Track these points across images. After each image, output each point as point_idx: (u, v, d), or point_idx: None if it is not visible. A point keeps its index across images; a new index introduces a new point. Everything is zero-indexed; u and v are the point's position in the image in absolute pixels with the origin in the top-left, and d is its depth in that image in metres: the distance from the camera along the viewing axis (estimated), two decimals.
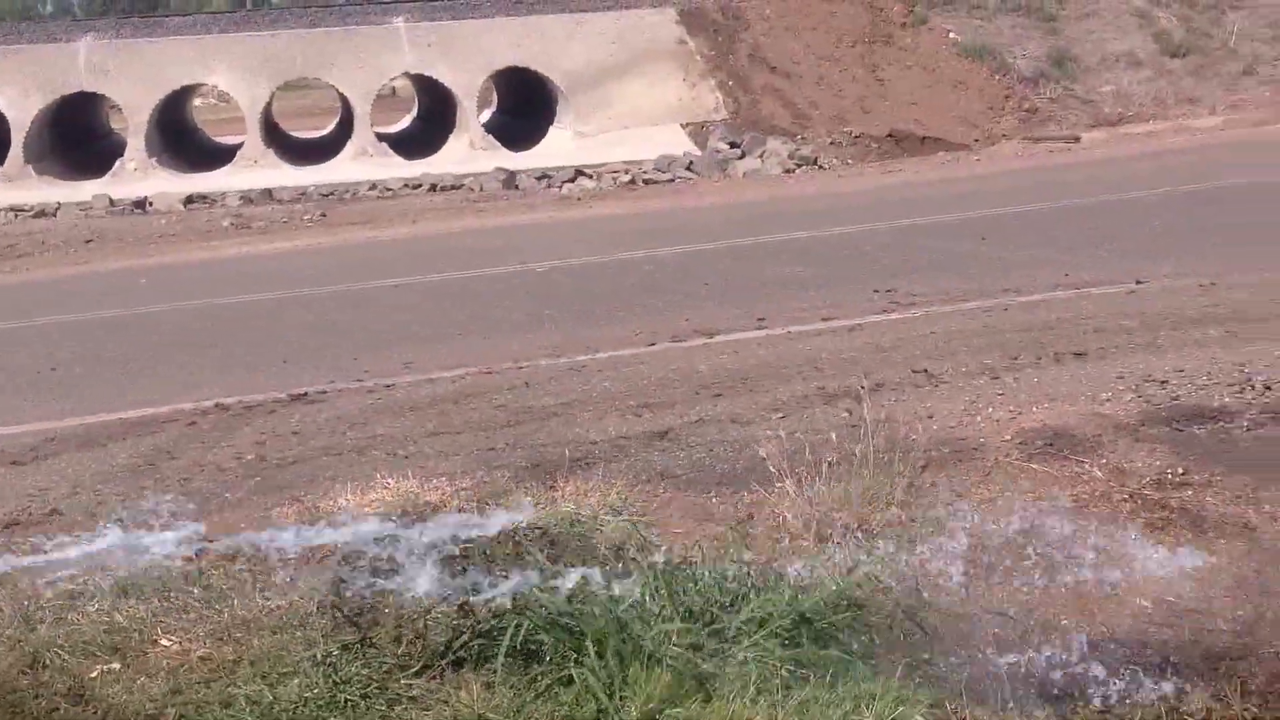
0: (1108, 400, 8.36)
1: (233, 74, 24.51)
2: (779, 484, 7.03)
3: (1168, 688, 5.86)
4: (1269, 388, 8.33)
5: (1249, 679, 5.94)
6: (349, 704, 5.04)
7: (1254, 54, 21.89)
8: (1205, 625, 6.43)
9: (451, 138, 22.73)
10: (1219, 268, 11.52)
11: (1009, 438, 7.94)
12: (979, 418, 8.25)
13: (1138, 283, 11.16)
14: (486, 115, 24.17)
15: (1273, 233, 12.68)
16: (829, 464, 7.14)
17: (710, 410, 8.55)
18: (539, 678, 5.15)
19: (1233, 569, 6.79)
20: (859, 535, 6.81)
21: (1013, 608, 6.45)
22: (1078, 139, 19.49)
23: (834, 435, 7.61)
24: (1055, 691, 5.95)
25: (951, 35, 23.07)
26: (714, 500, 7.12)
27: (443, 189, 19.64)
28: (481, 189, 19.43)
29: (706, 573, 6.05)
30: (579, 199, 17.93)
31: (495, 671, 5.18)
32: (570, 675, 5.11)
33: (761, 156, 19.88)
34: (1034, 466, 7.61)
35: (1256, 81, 21.34)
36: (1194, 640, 6.32)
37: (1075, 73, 22.03)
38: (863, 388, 8.41)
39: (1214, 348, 9.21)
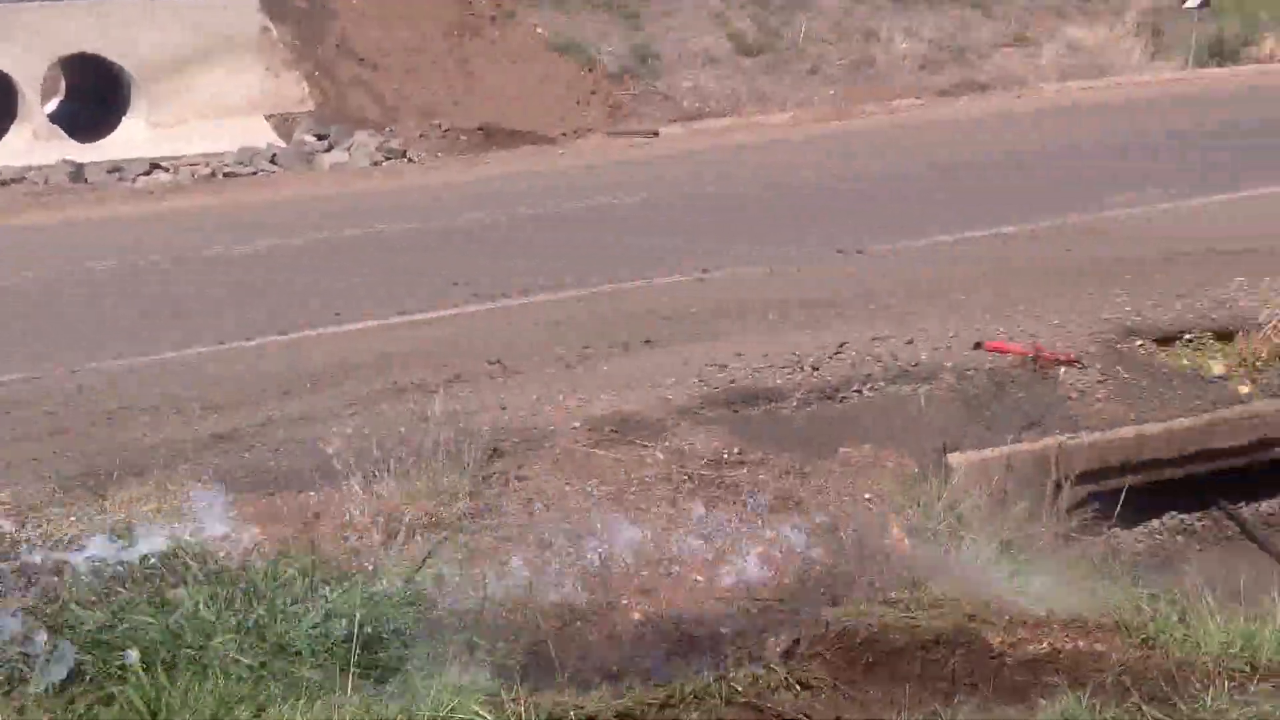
0: (672, 386, 8.66)
1: None
2: (346, 482, 7.01)
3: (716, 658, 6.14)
4: (817, 368, 8.79)
5: (793, 646, 6.27)
6: None
7: (820, 54, 22.97)
8: (755, 597, 6.76)
9: (12, 128, 21.50)
10: (778, 256, 12.02)
11: (578, 425, 8.13)
12: (550, 407, 8.41)
13: (705, 272, 11.57)
14: (53, 104, 22.92)
15: (827, 225, 13.31)
16: (397, 460, 7.17)
17: (278, 410, 8.42)
18: (77, 699, 4.96)
19: (785, 540, 7.17)
20: (427, 530, 6.85)
21: (575, 592, 6.62)
22: (657, 133, 20.01)
23: (403, 430, 7.63)
24: (614, 670, 6.14)
25: (539, 30, 23.31)
26: (279, 501, 7.02)
27: (1, 183, 18.59)
28: (47, 182, 18.51)
29: (265, 577, 5.98)
30: (152, 192, 17.32)
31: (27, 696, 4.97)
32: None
33: (349, 149, 19.64)
34: (600, 452, 7.82)
35: (822, 80, 22.39)
36: (745, 610, 6.64)
37: (658, 69, 22.60)
38: (435, 381, 8.47)
39: (770, 332, 9.65)
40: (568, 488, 7.44)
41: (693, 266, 11.71)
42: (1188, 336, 9.52)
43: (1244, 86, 21.96)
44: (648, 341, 9.64)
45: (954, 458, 8.19)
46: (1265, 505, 9.19)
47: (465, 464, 7.21)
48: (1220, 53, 24.02)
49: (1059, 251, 11.67)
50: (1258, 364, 9.21)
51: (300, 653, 5.49)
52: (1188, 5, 23.13)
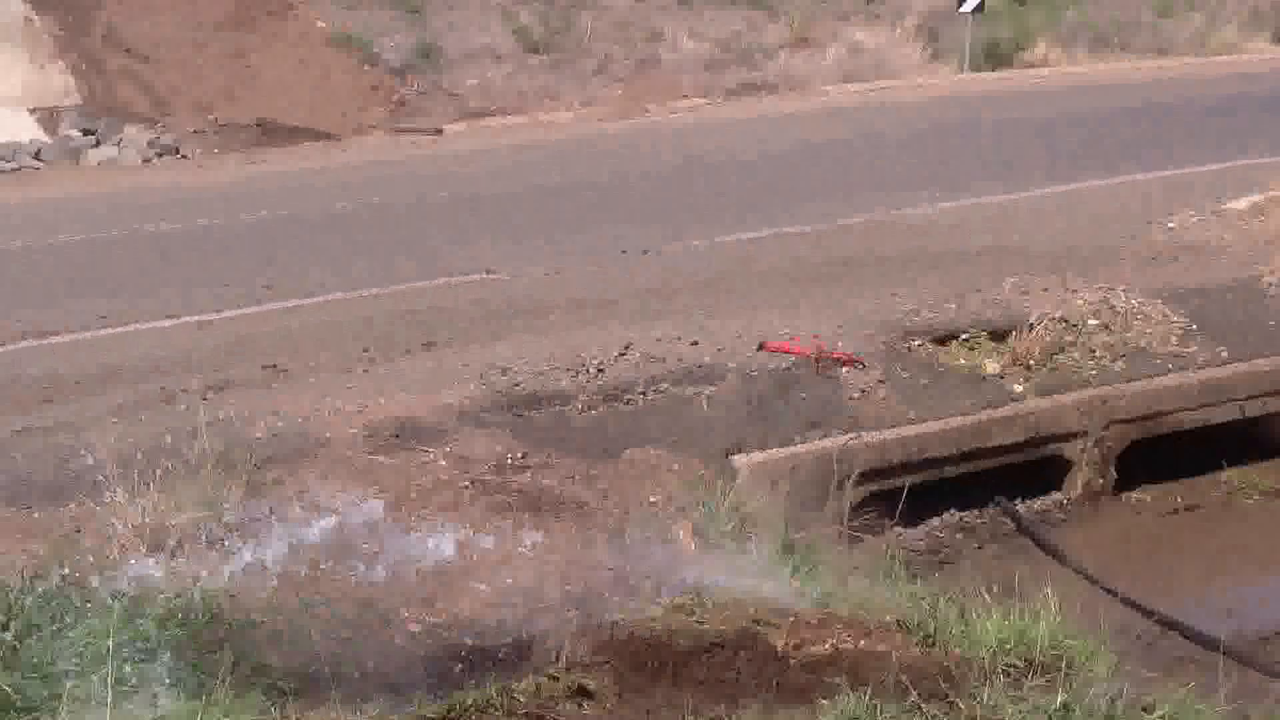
0: (453, 389, 8.50)
1: None
2: (109, 493, 6.69)
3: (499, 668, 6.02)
4: (601, 370, 8.73)
5: (577, 653, 6.18)
6: None
7: (606, 53, 22.96)
8: (540, 604, 6.65)
9: None
10: (565, 256, 11.95)
11: (355, 431, 7.93)
12: (326, 412, 8.20)
13: (488, 273, 11.43)
14: None
15: (612, 224, 13.29)
16: (164, 469, 6.88)
17: (37, 418, 8.03)
18: None
19: (567, 547, 7.06)
20: (195, 543, 6.59)
21: (351, 603, 6.43)
22: (440, 131, 19.77)
23: (170, 438, 7.33)
24: (392, 683, 5.98)
25: (319, 24, 22.86)
26: (37, 515, 6.68)
27: None
28: None
29: (21, 594, 5.68)
30: None
31: None
32: None
33: (119, 145, 18.99)
34: (379, 458, 7.64)
35: (608, 78, 22.37)
36: (527, 617, 6.52)
37: (442, 65, 22.33)
38: (205, 387, 8.19)
39: (554, 334, 9.56)
40: (344, 496, 7.23)
41: (476, 267, 11.55)
42: (964, 336, 9.70)
43: (1018, 89, 22.59)
44: (429, 344, 9.46)
45: (738, 459, 8.21)
46: (1040, 502, 9.41)
47: (236, 473, 6.96)
48: (995, 56, 24.69)
49: (841, 252, 11.80)
50: (1030, 363, 9.42)
51: (60, 675, 5.22)
52: (963, 10, 23.70)
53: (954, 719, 5.66)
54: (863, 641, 6.48)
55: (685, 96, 21.80)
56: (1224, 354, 9.92)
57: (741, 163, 16.57)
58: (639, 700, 5.98)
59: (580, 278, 11.24)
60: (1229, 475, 9.93)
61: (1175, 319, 10.11)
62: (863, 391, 8.94)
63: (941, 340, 9.67)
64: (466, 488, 7.43)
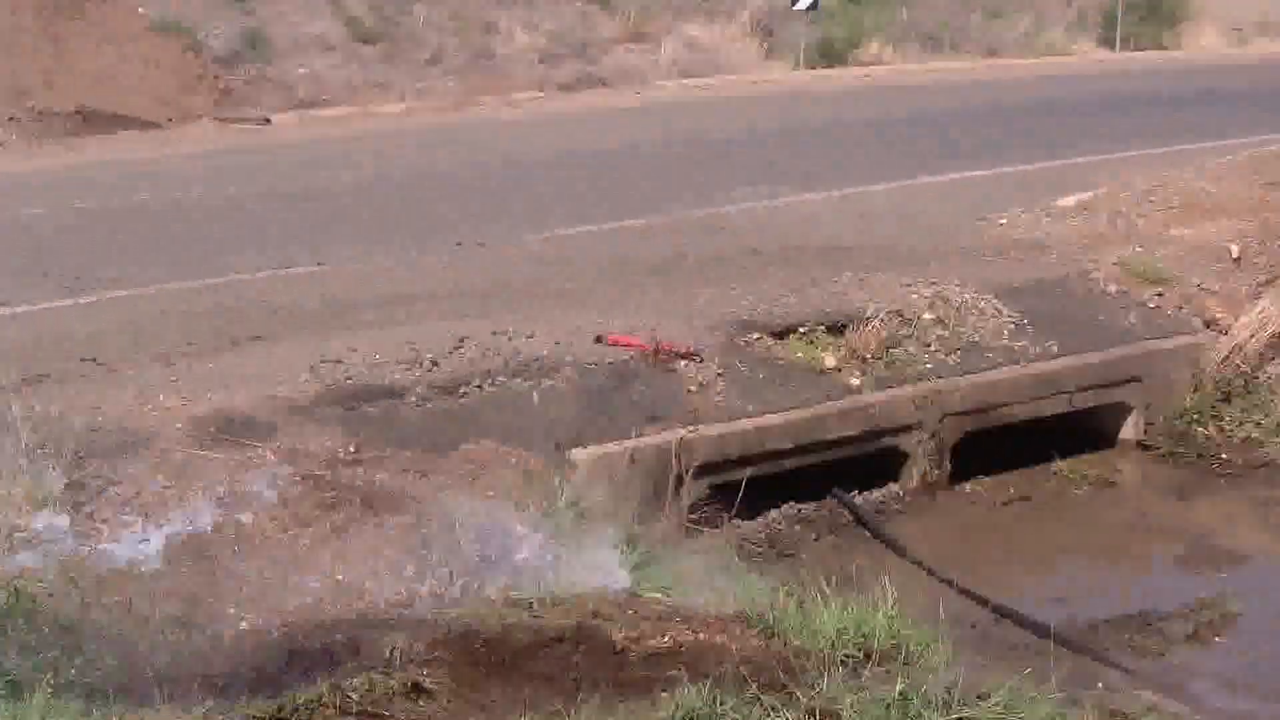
0: (282, 383, 8.27)
1: None
2: None
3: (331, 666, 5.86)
4: (436, 363, 8.57)
5: (412, 649, 6.05)
6: None
7: (439, 44, 22.73)
8: (373, 600, 6.50)
9: None
10: (397, 248, 11.76)
11: (181, 425, 7.67)
12: (150, 407, 7.92)
13: (319, 265, 11.19)
14: None
15: (446, 217, 13.13)
16: None
17: None
18: None
19: (401, 542, 6.91)
20: (9, 539, 6.32)
21: (178, 601, 6.22)
22: (269, 121, 19.40)
23: None
24: (220, 684, 5.79)
25: (141, 10, 22.27)
26: None
27: None
28: None
29: None
30: None
31: None
32: None
33: None
34: (205, 454, 7.40)
35: (442, 70, 22.15)
36: (360, 614, 6.37)
37: (269, 55, 21.90)
38: (19, 380, 7.85)
39: (387, 326, 9.37)
40: (169, 492, 6.98)
41: (307, 259, 11.31)
42: (802, 330, 9.72)
43: (852, 87, 22.90)
44: (257, 337, 9.20)
45: (576, 453, 8.11)
46: (876, 493, 9.48)
47: (54, 468, 6.68)
48: (829, 55, 25.00)
49: (679, 246, 11.77)
50: (867, 356, 9.49)
51: None
52: (798, 7, 23.94)
53: (793, 710, 5.62)
54: (702, 634, 6.45)
55: (520, 90, 21.68)
56: (1054, 348, 10.10)
57: (577, 157, 16.51)
58: (475, 696, 5.87)
59: (414, 271, 11.05)
60: (1059, 466, 10.13)
61: (1007, 314, 10.27)
62: (701, 385, 8.90)
63: (779, 334, 9.68)
64: (298, 482, 7.22)
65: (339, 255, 11.49)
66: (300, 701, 5.48)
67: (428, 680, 5.81)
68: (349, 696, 5.58)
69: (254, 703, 5.54)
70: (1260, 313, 10.71)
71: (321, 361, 8.59)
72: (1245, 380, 10.60)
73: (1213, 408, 10.55)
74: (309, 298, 10.16)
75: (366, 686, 5.66)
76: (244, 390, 8.15)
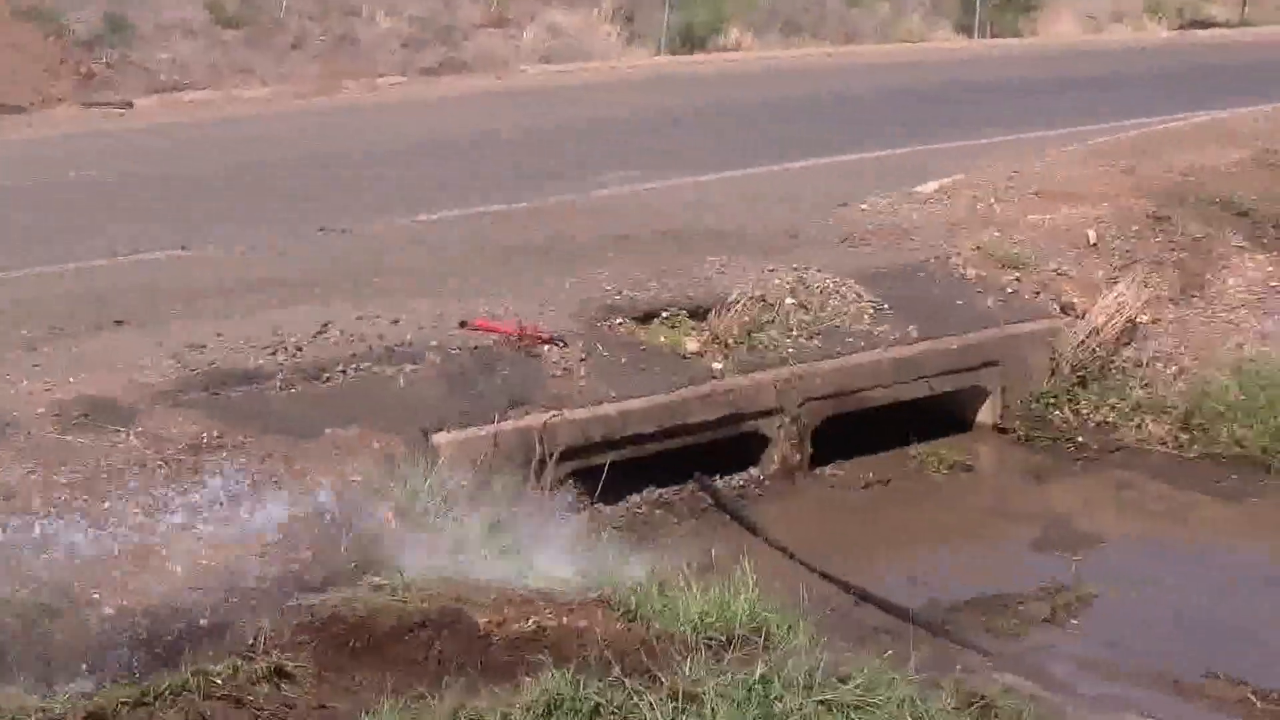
0: (146, 368, 8.20)
1: None
2: None
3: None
4: (300, 349, 8.54)
5: (276, 634, 6.06)
6: None
7: (302, 29, 22.53)
8: (237, 585, 6.49)
9: None
10: (261, 233, 11.67)
11: (43, 411, 7.59)
12: (11, 391, 7.82)
13: (183, 249, 11.07)
14: None
15: (310, 202, 13.02)
16: None
17: None
18: None
19: (265, 528, 6.90)
20: None
21: (38, 589, 6.18)
22: (131, 105, 19.13)
23: None
24: (84, 669, 5.78)
25: None
26: None
27: None
28: None
29: None
30: None
31: None
32: None
33: None
34: (68, 439, 7.33)
35: (305, 55, 21.94)
36: (224, 599, 6.35)
37: (132, 39, 21.55)
38: None
39: (252, 312, 9.29)
40: (32, 477, 6.90)
41: (169, 244, 11.19)
42: (665, 315, 9.80)
43: (713, 73, 23.04)
44: (120, 321, 9.09)
45: (440, 437, 8.13)
46: (737, 477, 9.57)
47: None
48: (691, 40, 25.14)
49: (541, 231, 11.80)
50: (730, 341, 9.58)
51: None
52: None
53: (656, 693, 5.69)
54: (565, 618, 6.51)
55: (383, 75, 21.57)
56: (914, 332, 10.25)
57: (441, 142, 16.47)
58: (339, 681, 5.91)
59: (278, 256, 10.97)
60: (918, 450, 10.28)
61: (868, 298, 10.40)
62: (565, 370, 8.95)
63: (643, 319, 9.75)
64: (161, 467, 7.18)
65: (203, 240, 11.37)
66: (164, 687, 5.51)
67: (291, 665, 5.85)
68: (213, 681, 5.61)
69: (117, 688, 5.54)
70: (1116, 297, 10.90)
71: (185, 346, 8.52)
72: (1101, 364, 10.78)
73: (1069, 392, 10.73)
74: (173, 283, 10.05)
75: (230, 671, 5.69)
76: (107, 375, 8.07)
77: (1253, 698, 7.16)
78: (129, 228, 11.74)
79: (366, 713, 5.58)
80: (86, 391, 7.84)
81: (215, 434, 7.56)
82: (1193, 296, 11.68)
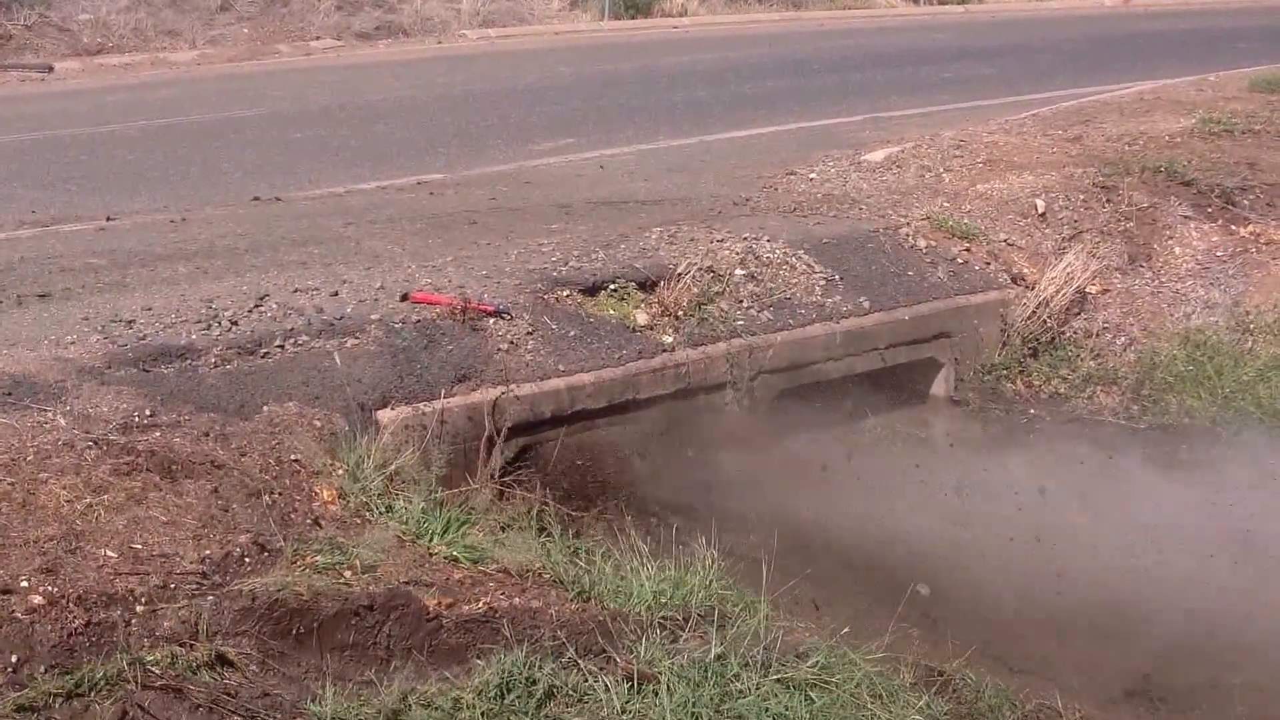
0: (72, 343, 7.86)
1: None
2: None
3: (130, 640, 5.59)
4: (235, 323, 8.22)
5: (216, 621, 5.83)
6: None
7: None
8: (173, 570, 6.22)
9: None
10: (191, 202, 11.34)
11: None
12: None
13: (109, 219, 10.70)
14: None
15: (241, 170, 12.73)
16: None
17: None
18: None
19: (201, 509, 6.62)
20: None
21: None
22: (51, 69, 18.68)
23: None
24: (14, 660, 5.50)
25: None
26: None
27: None
28: None
29: None
30: None
31: None
32: None
33: None
34: None
35: (235, 18, 21.53)
36: (160, 585, 6.09)
37: (51, 0, 21.07)
38: None
39: (183, 285, 8.96)
40: None
41: (96, 212, 10.83)
42: (613, 287, 9.55)
43: (657, 39, 22.85)
44: (43, 295, 8.72)
45: (383, 414, 7.86)
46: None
47: None
48: (634, 6, 24.95)
49: (485, 200, 11.55)
50: (679, 313, 9.36)
51: None
52: None
53: (611, 673, 5.62)
54: (518, 599, 6.38)
55: (318, 38, 21.17)
56: (865, 304, 10.10)
57: (376, 108, 16.17)
58: (283, 667, 5.73)
59: (209, 225, 10.61)
60: (872, 423, 10.14)
61: (819, 269, 10.22)
62: (511, 344, 8.69)
63: (590, 291, 9.48)
64: (89, 448, 6.86)
65: (129, 208, 11.03)
66: (98, 677, 5.29)
67: (233, 652, 5.68)
68: (151, 670, 5.41)
69: (50, 678, 5.28)
70: (1065, 268, 10.84)
71: (113, 321, 8.18)
72: (1052, 336, 10.73)
73: (1021, 363, 10.66)
74: (98, 254, 9.68)
75: (168, 660, 5.51)
76: (31, 351, 7.72)
77: None
78: (50, 195, 11.39)
79: (311, 700, 5.43)
80: (8, 368, 7.49)
81: (147, 412, 7.24)
82: (1140, 267, 11.63)
